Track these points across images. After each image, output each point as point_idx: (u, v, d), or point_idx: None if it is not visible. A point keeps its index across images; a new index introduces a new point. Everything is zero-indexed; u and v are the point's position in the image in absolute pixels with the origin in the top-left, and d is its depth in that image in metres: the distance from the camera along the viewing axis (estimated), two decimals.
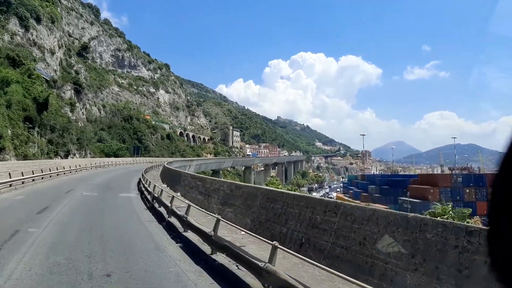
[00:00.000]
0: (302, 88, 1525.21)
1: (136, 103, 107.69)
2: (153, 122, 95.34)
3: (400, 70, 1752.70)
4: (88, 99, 73.30)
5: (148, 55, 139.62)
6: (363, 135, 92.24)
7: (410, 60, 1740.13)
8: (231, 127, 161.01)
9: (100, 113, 77.32)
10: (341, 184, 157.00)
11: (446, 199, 39.53)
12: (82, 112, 67.02)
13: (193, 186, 18.30)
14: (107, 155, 58.73)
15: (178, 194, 15.59)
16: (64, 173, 32.90)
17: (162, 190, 15.00)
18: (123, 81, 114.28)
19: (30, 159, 33.55)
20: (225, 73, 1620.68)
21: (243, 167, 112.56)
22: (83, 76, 76.97)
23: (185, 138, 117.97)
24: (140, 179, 24.29)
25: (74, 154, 49.58)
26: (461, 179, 42.38)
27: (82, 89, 67.79)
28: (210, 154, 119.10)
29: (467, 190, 41.85)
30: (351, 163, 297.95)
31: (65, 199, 17.62)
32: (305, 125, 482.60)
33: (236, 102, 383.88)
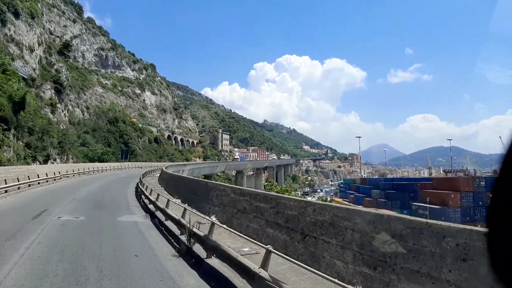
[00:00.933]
0: (287, 91, 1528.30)
1: (121, 105, 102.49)
2: (140, 125, 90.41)
3: (384, 73, 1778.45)
4: (70, 100, 68.21)
5: (133, 55, 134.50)
6: (359, 137, 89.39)
7: (393, 63, 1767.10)
8: (220, 130, 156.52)
9: (83, 115, 72.25)
10: (333, 188, 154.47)
11: (467, 203, 36.43)
12: (64, 114, 61.98)
13: (246, 209, 10.80)
14: (91, 160, 53.91)
15: (214, 219, 10.11)
16: (39, 183, 26.77)
17: (185, 210, 10.75)
18: (107, 81, 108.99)
19: (5, 165, 28.68)
20: (210, 75, 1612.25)
21: (235, 171, 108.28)
22: (64, 76, 71.81)
23: (173, 141, 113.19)
24: (138, 189, 19.79)
25: (55, 159, 44.72)
26: (484, 183, 39.06)
27: (63, 88, 62.70)
28: (199, 158, 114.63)
29: (491, 195, 38.64)
30: (339, 166, 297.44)
31: (29, 234, 10.39)
32: (291, 128, 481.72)
33: (222, 105, 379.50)
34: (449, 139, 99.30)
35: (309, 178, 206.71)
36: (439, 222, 4.90)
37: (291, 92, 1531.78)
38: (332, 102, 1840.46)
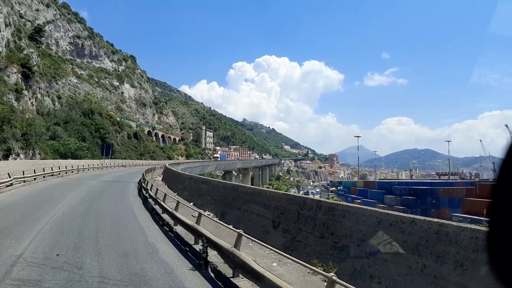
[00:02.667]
0: (266, 91, 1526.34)
1: (97, 97, 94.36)
2: (118, 119, 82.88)
3: (361, 76, 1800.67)
4: (39, 88, 60.40)
5: (112, 45, 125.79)
6: (358, 136, 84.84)
7: (370, 66, 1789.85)
8: (204, 127, 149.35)
9: (54, 105, 64.46)
10: (317, 190, 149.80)
11: None
12: (32, 103, 54.33)
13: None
14: (64, 156, 46.64)
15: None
16: None
17: None
18: (82, 72, 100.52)
19: None
20: (188, 73, 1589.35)
21: (223, 171, 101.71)
22: (35, 62, 63.94)
23: (154, 137, 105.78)
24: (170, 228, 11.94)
25: (18, 154, 37.57)
26: None
27: (32, 74, 55.06)
28: (182, 156, 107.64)
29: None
30: (320, 167, 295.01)
31: None
32: (271, 127, 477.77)
33: (202, 103, 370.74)
34: (447, 140, 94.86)
35: (293, 178, 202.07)
36: None
37: (270, 93, 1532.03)
38: (310, 103, 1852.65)
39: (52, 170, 33.30)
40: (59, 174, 34.51)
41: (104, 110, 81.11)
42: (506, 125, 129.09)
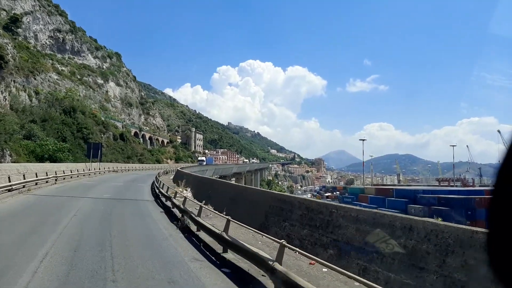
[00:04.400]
0: (250, 96, 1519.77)
1: (80, 95, 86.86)
2: (103, 118, 75.73)
3: (344, 82, 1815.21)
4: (14, 81, 53.24)
5: (95, 40, 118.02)
6: (364, 140, 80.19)
7: (353, 73, 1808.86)
8: (193, 129, 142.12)
9: (31, 101, 57.22)
10: (309, 195, 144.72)
11: None
12: (4, 97, 47.21)
13: None
14: (40, 159, 39.63)
15: None
16: None
17: None
18: (63, 68, 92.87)
19: None
20: (172, 76, 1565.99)
21: (220, 176, 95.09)
22: (9, 53, 56.80)
23: (141, 139, 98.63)
24: None
25: None
26: None
27: (5, 63, 47.98)
28: (171, 159, 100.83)
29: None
30: (307, 171, 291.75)
31: None
32: (256, 131, 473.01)
33: (187, 106, 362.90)
34: (452, 145, 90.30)
35: (284, 182, 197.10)
36: None
37: (254, 97, 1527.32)
38: (294, 108, 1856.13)
39: (9, 181, 20.73)
40: (23, 187, 22.61)
41: (88, 108, 73.88)
42: (499, 131, 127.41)
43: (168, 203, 17.75)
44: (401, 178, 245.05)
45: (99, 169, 48.99)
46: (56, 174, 31.14)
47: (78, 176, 37.96)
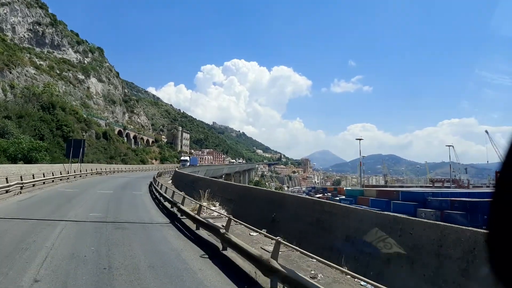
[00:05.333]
0: (235, 95, 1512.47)
1: (59, 91, 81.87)
2: (85, 115, 71.06)
3: (328, 83, 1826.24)
4: None
5: (77, 35, 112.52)
6: (360, 139, 77.67)
7: (337, 73, 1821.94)
8: (180, 128, 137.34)
9: (5, 96, 52.54)
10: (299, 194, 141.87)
11: None
12: None
13: None
14: (13, 159, 35.38)
15: None
16: None
17: None
18: (42, 62, 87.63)
19: None
20: (155, 75, 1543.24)
21: (211, 177, 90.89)
22: None
23: (125, 138, 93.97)
24: None
25: None
26: None
27: None
28: (156, 159, 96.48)
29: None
30: (294, 172, 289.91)
31: None
32: (241, 131, 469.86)
33: (171, 105, 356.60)
34: (448, 145, 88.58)
35: (272, 184, 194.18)
36: None
37: (239, 97, 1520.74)
38: (279, 108, 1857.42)
39: None
40: None
41: (68, 104, 69.15)
42: (486, 131, 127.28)
43: (203, 234, 11.31)
44: (387, 179, 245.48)
45: (80, 171, 43.99)
46: (22, 180, 23.81)
47: (53, 181, 31.43)
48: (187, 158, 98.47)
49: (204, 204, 14.65)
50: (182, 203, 14.77)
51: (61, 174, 35.87)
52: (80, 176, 42.21)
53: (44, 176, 29.59)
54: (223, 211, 15.17)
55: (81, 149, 44.54)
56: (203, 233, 11.33)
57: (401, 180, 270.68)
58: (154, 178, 29.72)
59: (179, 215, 14.42)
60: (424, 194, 43.00)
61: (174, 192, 17.81)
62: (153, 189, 24.24)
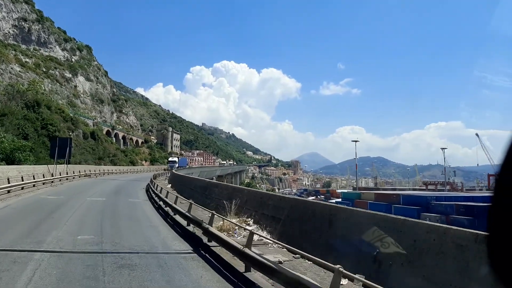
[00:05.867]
0: (224, 97, 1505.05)
1: (45, 89, 78.98)
2: (72, 114, 68.35)
3: (318, 85, 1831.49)
4: None
5: (65, 32, 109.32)
6: (356, 141, 76.35)
7: (326, 76, 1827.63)
8: (170, 129, 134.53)
9: None
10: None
11: None
12: None
13: None
14: None
15: None
16: None
17: None
18: (27, 59, 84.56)
19: None
20: (143, 75, 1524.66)
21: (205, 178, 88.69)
22: None
23: (114, 138, 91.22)
24: None
25: None
26: None
27: None
28: (146, 161, 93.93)
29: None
30: (284, 174, 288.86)
31: None
32: (230, 133, 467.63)
33: (160, 105, 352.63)
34: (443, 148, 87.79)
35: (263, 186, 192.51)
36: None
37: (228, 98, 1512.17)
38: (268, 110, 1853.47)
39: None
40: None
41: (54, 103, 66.43)
42: (477, 134, 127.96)
43: (257, 277, 7.40)
44: (377, 181, 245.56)
45: (67, 173, 41.03)
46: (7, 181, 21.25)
47: (34, 186, 27.53)
48: (176, 159, 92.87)
49: (249, 228, 10.14)
50: (211, 223, 10.69)
51: (44, 177, 32.23)
52: (67, 179, 38.94)
53: (22, 180, 25.94)
54: (264, 233, 11.30)
55: (68, 148, 41.53)
56: (256, 276, 7.38)
57: (390, 182, 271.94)
58: (151, 181, 27.18)
59: (205, 239, 10.54)
60: (427, 198, 41.60)
61: (191, 204, 13.57)
62: (153, 196, 21.03)
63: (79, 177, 44.31)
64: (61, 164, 42.06)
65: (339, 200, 61.63)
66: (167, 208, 16.18)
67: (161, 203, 17.92)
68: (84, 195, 24.42)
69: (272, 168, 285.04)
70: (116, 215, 16.57)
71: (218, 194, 18.34)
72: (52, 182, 33.46)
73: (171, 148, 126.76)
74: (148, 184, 28.10)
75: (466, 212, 34.07)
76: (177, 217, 13.83)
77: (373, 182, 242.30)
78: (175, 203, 14.62)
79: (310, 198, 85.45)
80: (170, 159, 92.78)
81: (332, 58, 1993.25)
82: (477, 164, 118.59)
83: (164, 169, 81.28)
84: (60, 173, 38.80)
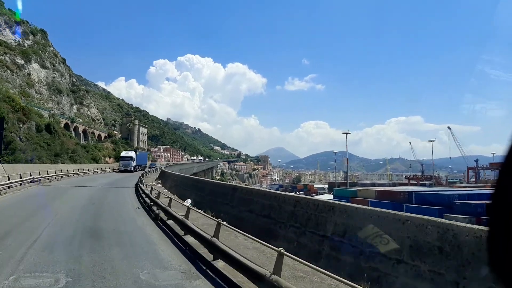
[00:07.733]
0: (189, 91, 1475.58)
1: None
2: (23, 104, 59.34)
3: (283, 81, 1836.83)
4: None
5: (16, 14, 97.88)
6: (347, 133, 71.84)
7: (291, 72, 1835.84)
8: (137, 122, 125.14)
9: None
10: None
11: None
12: None
13: None
14: None
15: None
16: None
17: None
18: None
19: None
20: (104, 68, 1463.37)
21: None
22: None
23: (73, 132, 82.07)
24: None
25: None
26: None
27: None
28: (110, 157, 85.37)
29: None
30: (254, 169, 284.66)
31: None
32: (196, 128, 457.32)
33: (122, 99, 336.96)
34: (431, 140, 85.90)
35: (233, 182, 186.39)
36: None
37: (193, 93, 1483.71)
38: (234, 105, 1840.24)
39: None
40: None
41: (2, 90, 57.36)
42: (449, 127, 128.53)
43: None
44: (349, 174, 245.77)
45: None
46: None
47: None
48: (132, 154, 72.98)
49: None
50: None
51: None
52: None
53: None
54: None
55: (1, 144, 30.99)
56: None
57: (356, 176, 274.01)
58: (162, 207, 15.42)
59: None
60: (448, 196, 36.82)
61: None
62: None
63: (21, 184, 28.15)
64: None
65: (330, 197, 56.39)
66: None
67: None
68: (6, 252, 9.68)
69: (242, 163, 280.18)
70: None
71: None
72: None
73: (138, 143, 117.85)
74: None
75: (471, 212, 29.82)
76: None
77: (342, 177, 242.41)
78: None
79: (292, 194, 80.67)
80: (123, 154, 73.84)
81: (297, 54, 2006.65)
82: (450, 157, 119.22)
83: (114, 169, 68.68)
84: None
